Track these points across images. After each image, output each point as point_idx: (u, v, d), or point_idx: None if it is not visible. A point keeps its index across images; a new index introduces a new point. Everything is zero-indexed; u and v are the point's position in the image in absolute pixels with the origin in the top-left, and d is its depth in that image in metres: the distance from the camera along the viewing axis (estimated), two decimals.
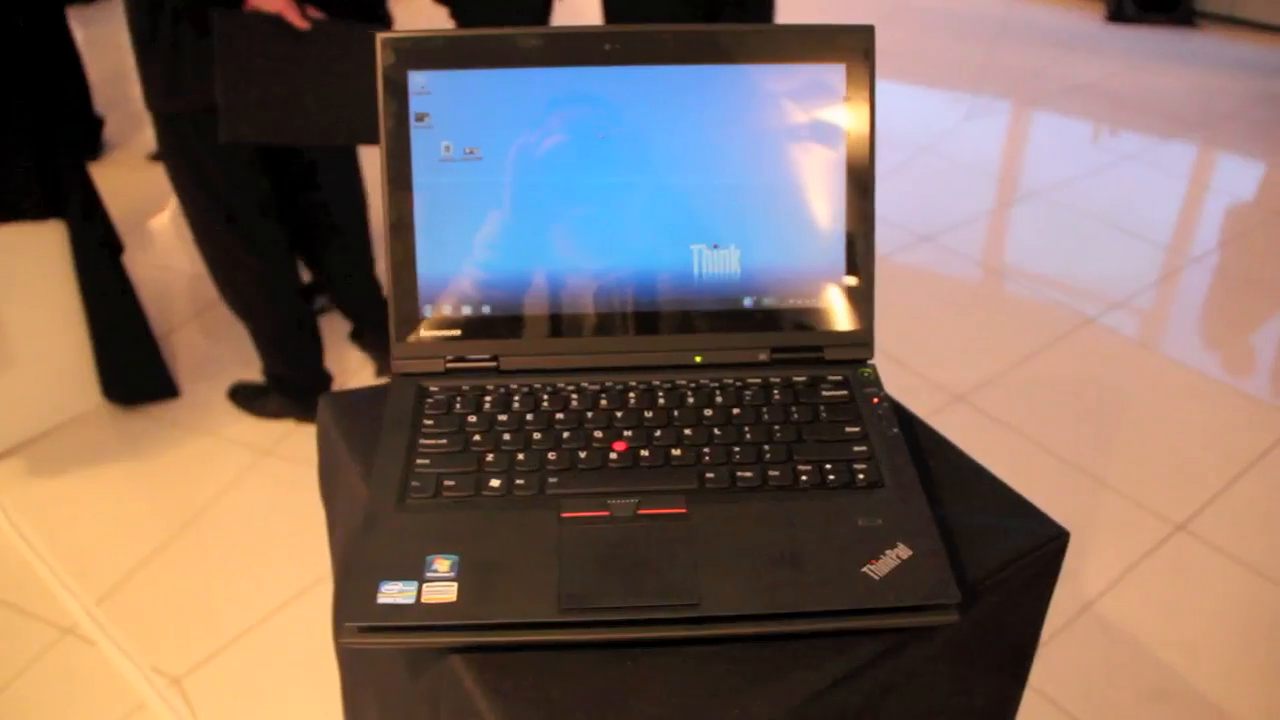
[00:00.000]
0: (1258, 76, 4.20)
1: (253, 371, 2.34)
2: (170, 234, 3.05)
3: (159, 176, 3.39)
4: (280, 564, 1.91)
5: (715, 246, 0.80)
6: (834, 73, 0.80)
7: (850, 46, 0.80)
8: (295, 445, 2.21)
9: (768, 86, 0.79)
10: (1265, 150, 3.60)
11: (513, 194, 0.79)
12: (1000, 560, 0.73)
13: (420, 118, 0.78)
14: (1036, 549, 0.74)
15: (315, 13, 1.76)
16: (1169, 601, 1.85)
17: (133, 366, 2.27)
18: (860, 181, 0.81)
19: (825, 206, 0.81)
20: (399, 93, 0.77)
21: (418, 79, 0.77)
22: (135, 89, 4.04)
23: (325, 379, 2.27)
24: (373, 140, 1.84)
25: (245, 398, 2.30)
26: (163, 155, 2.00)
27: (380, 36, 0.77)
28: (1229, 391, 2.41)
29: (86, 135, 3.39)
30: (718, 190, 0.80)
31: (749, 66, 0.79)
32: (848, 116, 0.80)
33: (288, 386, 2.23)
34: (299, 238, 2.24)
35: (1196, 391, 2.40)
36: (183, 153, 1.93)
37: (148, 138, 3.56)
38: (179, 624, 1.81)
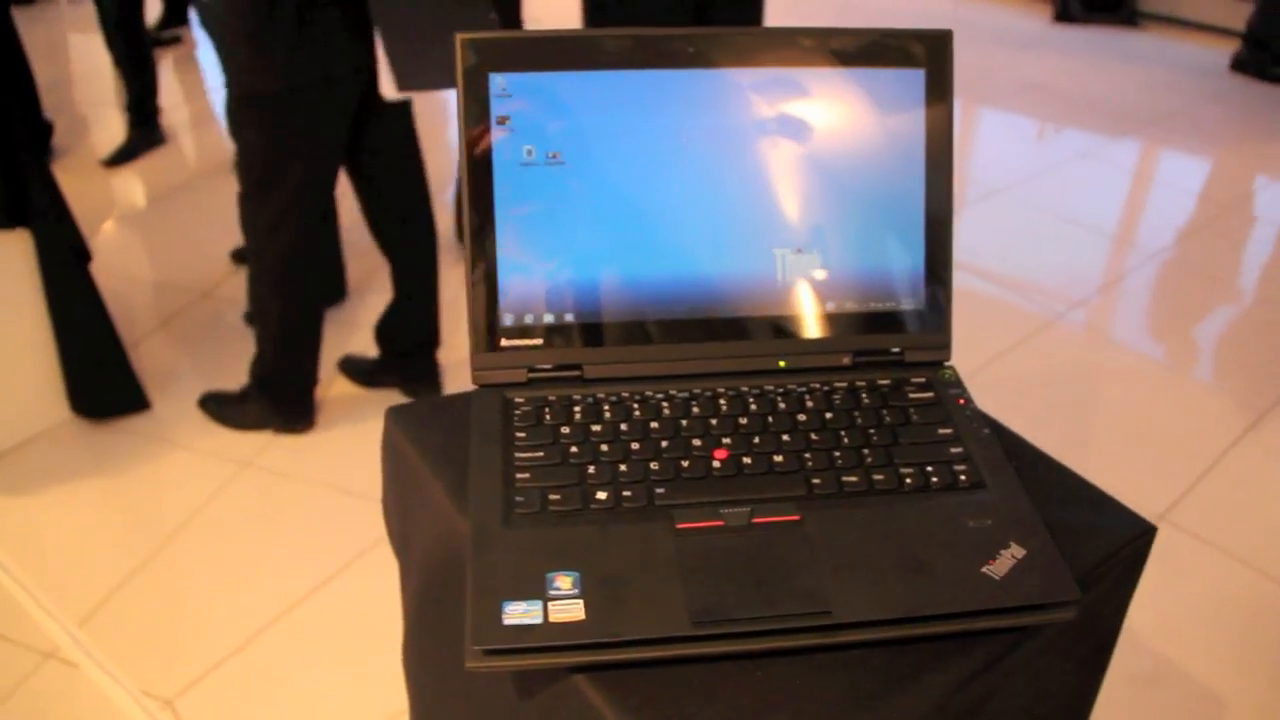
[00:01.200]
0: (1199, 75, 4.34)
1: (221, 382, 2.28)
2: (132, 242, 2.96)
3: (112, 182, 3.33)
4: (268, 578, 1.86)
5: (798, 251, 0.80)
6: (914, 78, 0.80)
7: (930, 52, 0.80)
8: (276, 456, 2.15)
9: (849, 90, 0.79)
10: (1212, 147, 3.72)
11: (595, 198, 0.77)
12: (1098, 557, 0.73)
13: (501, 120, 0.76)
14: (1128, 544, 0.75)
15: None
16: (1155, 591, 1.88)
17: (102, 379, 2.20)
18: (939, 185, 0.81)
19: (905, 210, 0.81)
20: (479, 95, 0.75)
21: (499, 81, 0.75)
22: (80, 92, 3.96)
23: (313, 386, 2.22)
24: None
25: (218, 407, 2.23)
26: (244, 137, 1.96)
27: (460, 37, 0.75)
28: (1196, 384, 2.48)
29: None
30: (800, 194, 0.79)
31: (830, 70, 0.79)
32: (928, 121, 0.80)
33: (275, 392, 2.17)
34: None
35: (1164, 385, 2.46)
36: (268, 134, 1.90)
37: (96, 142, 3.47)
38: (167, 644, 1.75)
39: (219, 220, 2.75)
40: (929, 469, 0.73)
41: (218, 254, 2.80)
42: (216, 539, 1.96)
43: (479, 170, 0.76)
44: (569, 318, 0.79)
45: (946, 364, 0.83)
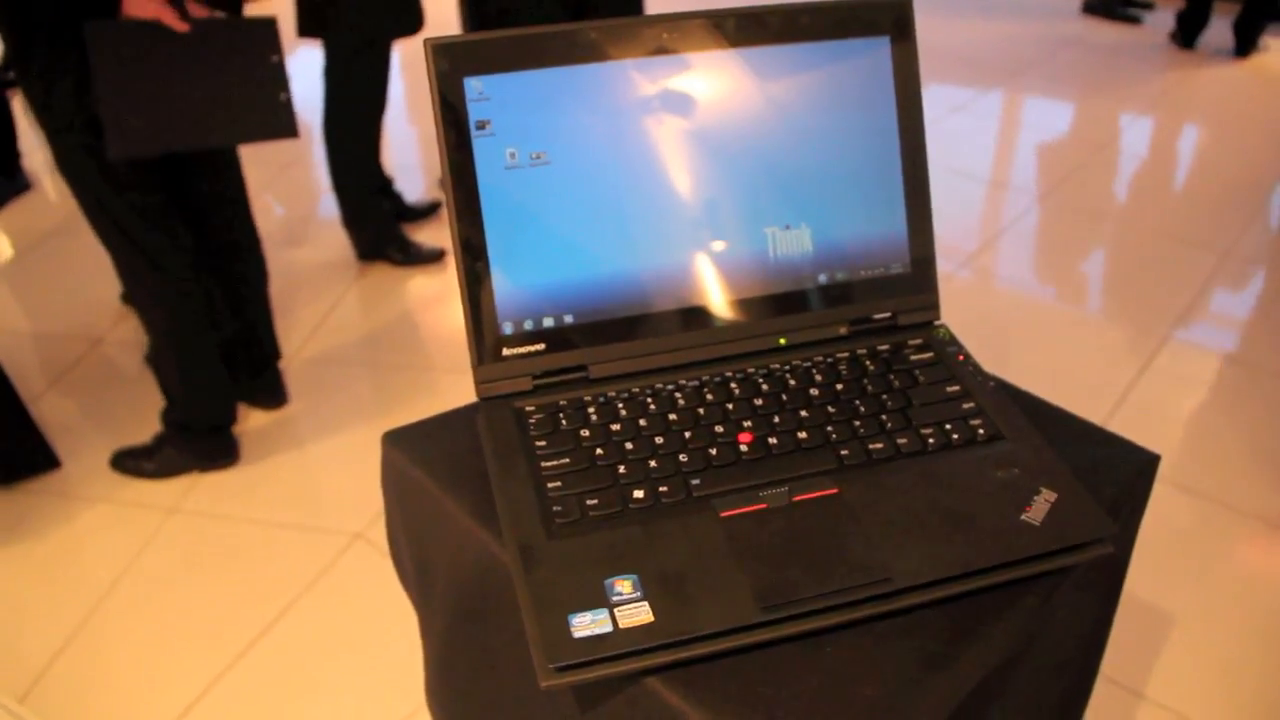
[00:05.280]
0: (1049, 21, 4.52)
1: (125, 432, 2.17)
2: (10, 296, 2.79)
3: None
4: (214, 627, 1.78)
5: (787, 227, 0.80)
6: (879, 45, 0.80)
7: (891, 18, 0.81)
8: (202, 498, 2.07)
9: (820, 64, 0.79)
10: (1074, 91, 3.88)
11: (584, 196, 0.76)
12: (1116, 489, 0.76)
13: (481, 125, 0.74)
14: (1138, 475, 0.78)
15: (198, 10, 1.65)
16: None
17: (6, 441, 2.07)
18: (914, 147, 0.82)
19: (885, 175, 0.82)
20: (456, 101, 0.73)
21: (475, 85, 0.73)
22: None
23: (232, 419, 2.14)
24: (280, 133, 1.79)
25: (134, 462, 2.13)
26: (62, 173, 1.84)
27: (431, 43, 0.72)
28: (1097, 320, 2.58)
29: None
30: (784, 171, 0.79)
31: (800, 45, 0.79)
32: (896, 86, 0.81)
33: (193, 428, 2.08)
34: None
35: (1068, 325, 2.55)
36: (77, 171, 1.80)
37: None
38: (118, 708, 1.66)
39: (98, 263, 2.61)
40: (947, 427, 0.74)
41: (102, 298, 2.67)
42: (153, 592, 1.87)
43: (463, 179, 0.74)
44: (568, 319, 0.77)
45: (937, 323, 0.85)
